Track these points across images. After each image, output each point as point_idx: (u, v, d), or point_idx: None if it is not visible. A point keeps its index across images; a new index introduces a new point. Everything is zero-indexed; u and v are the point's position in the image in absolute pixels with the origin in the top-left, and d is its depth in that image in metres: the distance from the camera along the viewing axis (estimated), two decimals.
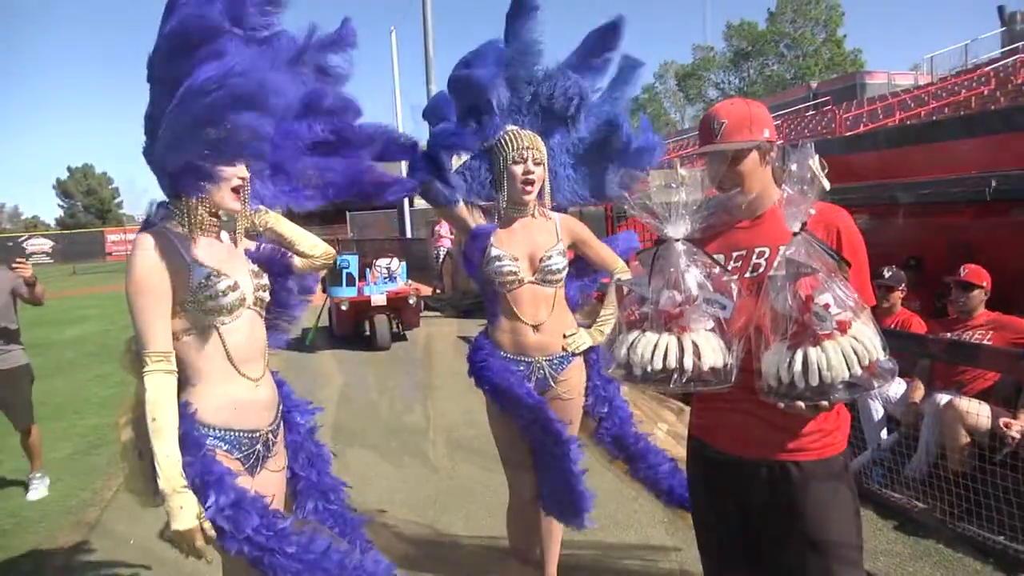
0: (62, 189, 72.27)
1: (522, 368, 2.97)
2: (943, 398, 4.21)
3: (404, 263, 11.97)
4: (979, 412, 4.01)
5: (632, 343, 1.85)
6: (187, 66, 1.83)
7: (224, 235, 2.27)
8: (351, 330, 11.06)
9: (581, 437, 3.10)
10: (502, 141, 2.91)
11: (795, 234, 1.82)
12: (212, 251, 2.16)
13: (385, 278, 11.47)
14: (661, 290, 1.87)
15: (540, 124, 3.09)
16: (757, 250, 2.03)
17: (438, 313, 13.83)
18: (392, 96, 28.44)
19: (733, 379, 1.83)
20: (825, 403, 1.73)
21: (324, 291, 11.60)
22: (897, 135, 10.25)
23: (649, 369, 1.81)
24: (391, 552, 3.26)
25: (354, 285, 11.14)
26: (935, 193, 5.51)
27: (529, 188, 2.90)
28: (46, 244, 62.37)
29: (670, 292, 1.85)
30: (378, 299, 10.80)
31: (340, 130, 2.50)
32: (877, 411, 4.69)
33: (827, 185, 1.81)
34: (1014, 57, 22.56)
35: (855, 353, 1.68)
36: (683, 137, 29.58)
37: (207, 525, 1.96)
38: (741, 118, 2.03)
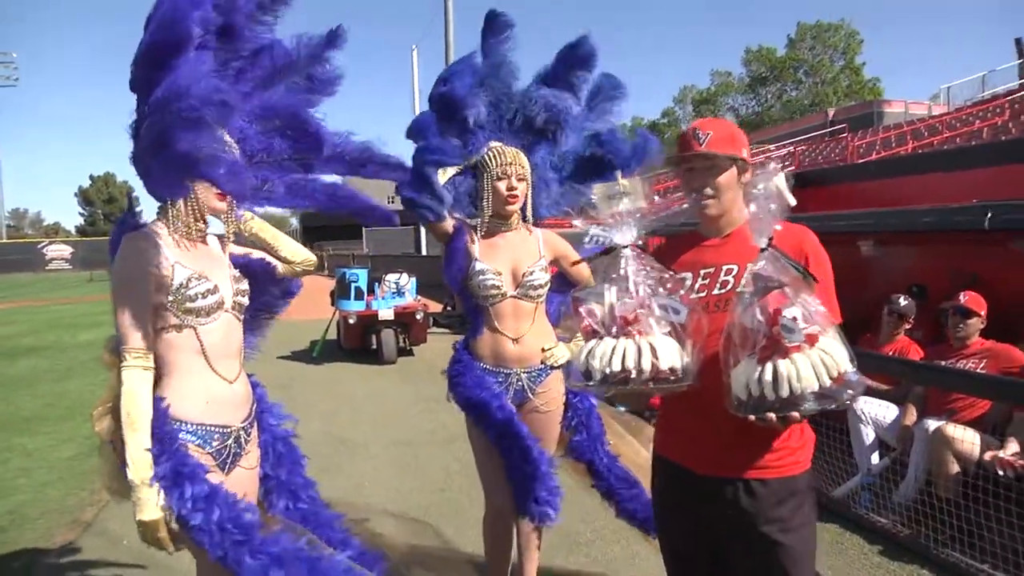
0: (84, 197, 73.33)
1: (501, 379, 3.04)
2: (933, 424, 4.23)
3: (415, 279, 12.03)
4: (968, 439, 4.02)
5: (590, 350, 1.90)
6: (156, 77, 1.89)
7: (211, 240, 2.36)
8: (358, 343, 11.14)
9: (559, 451, 3.16)
10: (486, 157, 3.01)
11: (762, 250, 1.86)
12: (195, 255, 2.25)
13: (394, 293, 11.53)
14: (614, 297, 1.92)
15: (524, 140, 3.18)
16: (725, 267, 2.07)
17: (447, 330, 13.89)
18: (412, 114, 28.72)
19: (691, 378, 1.86)
20: (796, 415, 1.74)
21: (333, 304, 11.72)
22: (892, 165, 10.33)
23: (608, 371, 1.84)
24: None
25: (362, 299, 11.23)
26: (935, 222, 5.55)
27: (512, 203, 2.99)
28: (66, 250, 63.21)
29: (624, 298, 1.90)
30: (386, 313, 10.88)
31: (308, 148, 2.56)
32: (868, 436, 4.70)
33: (792, 201, 1.86)
34: None
35: (824, 364, 1.70)
36: None
37: (171, 518, 2.02)
38: (725, 132, 2.10)
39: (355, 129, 2.59)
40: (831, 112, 36.00)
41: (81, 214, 75.10)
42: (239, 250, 2.54)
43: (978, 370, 4.46)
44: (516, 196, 2.99)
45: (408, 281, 11.82)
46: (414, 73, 28.68)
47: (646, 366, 1.82)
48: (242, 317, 2.38)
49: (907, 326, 5.25)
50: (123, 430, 2.02)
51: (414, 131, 3.01)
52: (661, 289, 1.93)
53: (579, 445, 3.15)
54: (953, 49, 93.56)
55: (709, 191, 2.06)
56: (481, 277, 2.97)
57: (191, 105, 1.80)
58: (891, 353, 5.12)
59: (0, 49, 72.93)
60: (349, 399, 8.49)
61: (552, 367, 3.06)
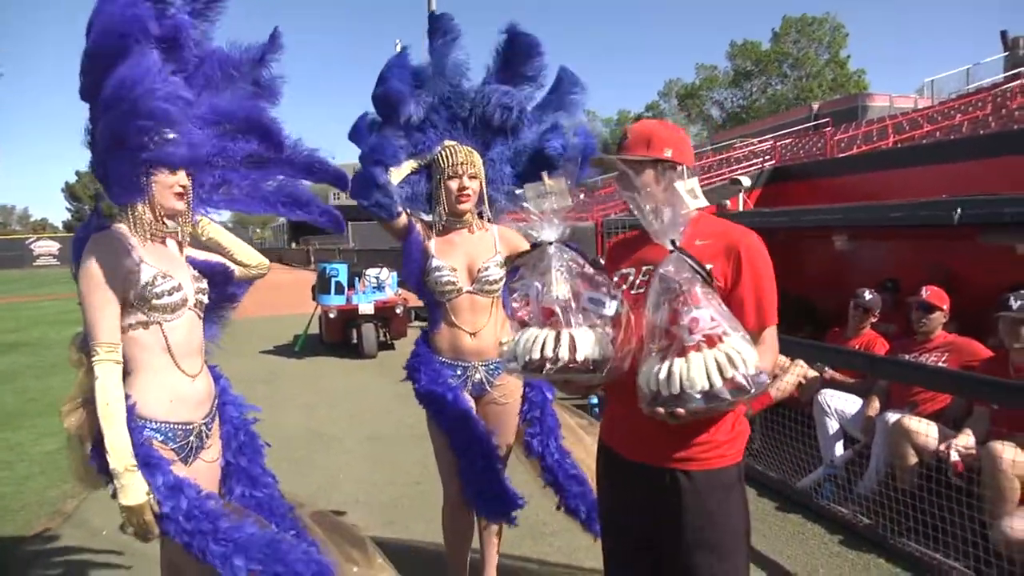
0: (70, 192, 72.90)
1: (459, 372, 3.11)
2: (893, 416, 4.31)
3: (395, 273, 12.07)
4: (927, 433, 4.08)
5: (517, 337, 1.99)
6: (102, 80, 1.93)
7: (170, 242, 2.43)
8: (339, 338, 11.21)
9: (517, 443, 3.23)
10: (438, 157, 3.09)
11: (670, 251, 1.91)
12: (158, 254, 2.33)
13: (374, 287, 11.59)
14: (540, 289, 2.00)
15: (480, 137, 3.24)
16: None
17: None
18: None
19: (608, 371, 1.92)
20: (681, 411, 1.78)
21: (314, 299, 11.76)
22: (870, 159, 10.43)
23: (528, 359, 1.93)
24: None
25: (343, 294, 11.29)
26: (905, 217, 5.61)
27: (463, 202, 3.06)
28: (53, 246, 62.96)
29: (548, 291, 1.98)
30: (366, 308, 10.94)
31: (271, 149, 2.65)
32: (832, 427, 4.78)
33: (703, 203, 1.95)
34: (1015, 82, 22.72)
35: (718, 365, 1.74)
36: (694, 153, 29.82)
37: (154, 502, 2.11)
38: (642, 134, 2.17)
39: (337, 125, 2.66)
40: (816, 106, 36.16)
41: (68, 209, 74.81)
42: (200, 254, 2.62)
43: (940, 364, 4.54)
44: (468, 195, 3.07)
45: (388, 276, 11.89)
46: None
47: (562, 355, 1.89)
48: (202, 315, 2.46)
49: (873, 319, 5.36)
50: (101, 421, 2.10)
51: (352, 134, 3.08)
52: (590, 285, 1.99)
53: (531, 438, 3.21)
54: (942, 42, 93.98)
55: (631, 192, 2.08)
56: (437, 273, 3.04)
57: (140, 92, 1.86)
58: (857, 347, 5.22)
59: None
60: (329, 393, 8.54)
61: None
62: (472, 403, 3.15)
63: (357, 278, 11.76)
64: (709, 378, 1.74)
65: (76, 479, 2.41)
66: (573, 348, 1.90)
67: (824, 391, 4.93)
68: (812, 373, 5.24)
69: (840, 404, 4.81)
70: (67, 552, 4.22)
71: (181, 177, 2.31)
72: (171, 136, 2.06)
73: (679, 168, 2.17)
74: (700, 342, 1.77)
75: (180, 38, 2.25)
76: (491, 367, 3.13)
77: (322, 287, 11.42)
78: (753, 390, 1.76)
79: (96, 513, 4.65)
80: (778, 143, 23.40)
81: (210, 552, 2.10)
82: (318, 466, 5.82)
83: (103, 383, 2.12)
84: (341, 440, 6.53)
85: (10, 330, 15.21)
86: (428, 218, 3.18)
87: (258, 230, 59.43)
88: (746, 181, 12.64)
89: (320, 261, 12.68)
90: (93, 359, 2.14)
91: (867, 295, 5.32)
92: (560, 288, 1.98)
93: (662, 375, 1.79)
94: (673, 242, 1.90)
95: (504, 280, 3.12)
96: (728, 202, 11.54)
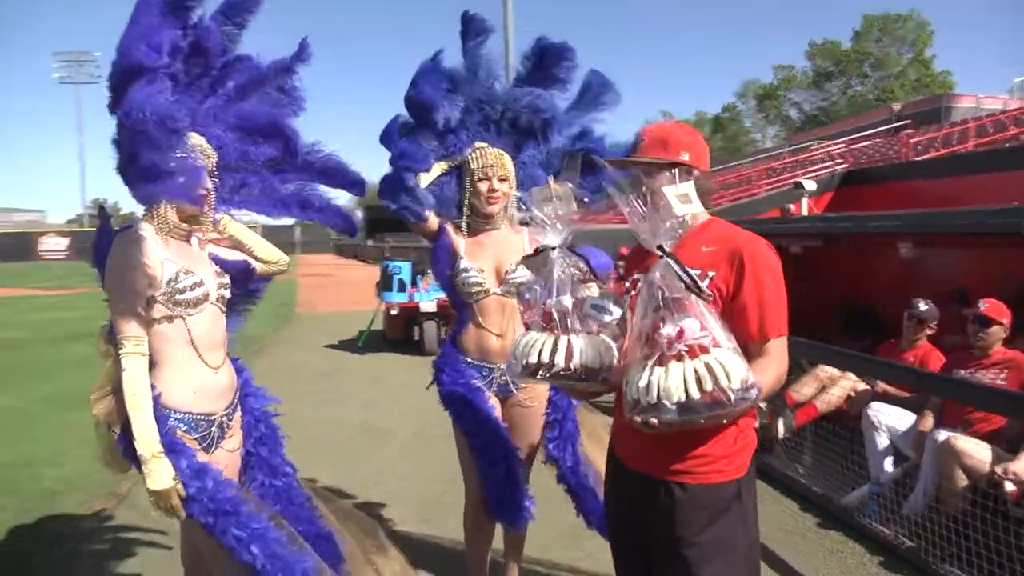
0: None
1: (484, 373, 3.13)
2: (943, 435, 4.10)
3: None
4: (979, 454, 3.88)
5: (518, 341, 2.01)
6: (120, 99, 2.05)
7: (193, 240, 2.54)
8: (401, 334, 11.44)
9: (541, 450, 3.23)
10: (469, 158, 3.11)
11: (659, 257, 1.85)
12: (181, 252, 2.44)
13: (436, 285, 11.66)
14: (542, 294, 2.01)
15: (512, 139, 3.26)
16: None
17: None
18: None
19: (604, 379, 1.91)
20: (654, 420, 1.72)
21: (378, 296, 11.97)
22: (946, 164, 9.98)
23: (525, 363, 1.94)
24: None
25: (405, 291, 11.46)
26: (974, 224, 5.36)
27: (493, 204, 3.08)
28: None
29: (551, 296, 1.98)
30: (427, 305, 11.09)
31: (286, 156, 2.74)
32: (881, 443, 4.60)
33: (698, 208, 1.92)
34: None
35: (697, 377, 1.69)
36: (762, 156, 29.15)
37: (180, 487, 2.21)
38: (658, 137, 2.12)
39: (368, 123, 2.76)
40: (897, 107, 34.92)
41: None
42: (223, 251, 2.72)
43: (998, 381, 4.32)
44: (497, 197, 3.09)
45: None
46: None
47: (558, 361, 1.90)
48: (224, 309, 2.56)
49: (929, 331, 5.10)
50: (129, 410, 2.21)
51: (383, 137, 3.11)
52: (595, 291, 2.00)
53: (549, 442, 3.20)
54: None
55: (648, 195, 2.02)
56: (465, 274, 3.07)
57: (142, 123, 1.96)
58: (911, 359, 5.01)
59: (84, 49, 77.35)
60: (388, 389, 8.71)
61: None
62: (497, 405, 3.17)
63: (420, 276, 11.91)
64: (686, 389, 1.68)
65: (103, 463, 2.54)
66: (569, 355, 1.90)
67: (874, 404, 4.75)
68: (862, 386, 5.07)
69: (891, 419, 4.62)
70: (119, 530, 4.48)
71: (204, 180, 2.41)
72: (173, 164, 2.13)
73: (695, 172, 2.10)
74: (682, 352, 1.72)
75: (206, 45, 2.36)
76: None
77: (385, 284, 11.65)
78: (736, 406, 1.70)
79: (147, 496, 4.85)
80: (853, 146, 22.70)
81: (230, 535, 2.20)
82: (366, 461, 5.97)
83: (130, 374, 2.23)
84: (394, 435, 6.68)
85: (88, 319, 15.91)
86: (457, 220, 3.21)
87: None
88: (810, 185, 12.18)
89: (393, 258, 12.87)
90: (120, 352, 2.24)
91: (922, 306, 5.09)
92: (561, 293, 1.98)
93: (642, 383, 1.75)
94: (661, 247, 1.84)
95: None
96: (792, 206, 11.25)
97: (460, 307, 3.19)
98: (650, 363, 1.77)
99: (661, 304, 1.79)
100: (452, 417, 3.16)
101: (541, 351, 1.92)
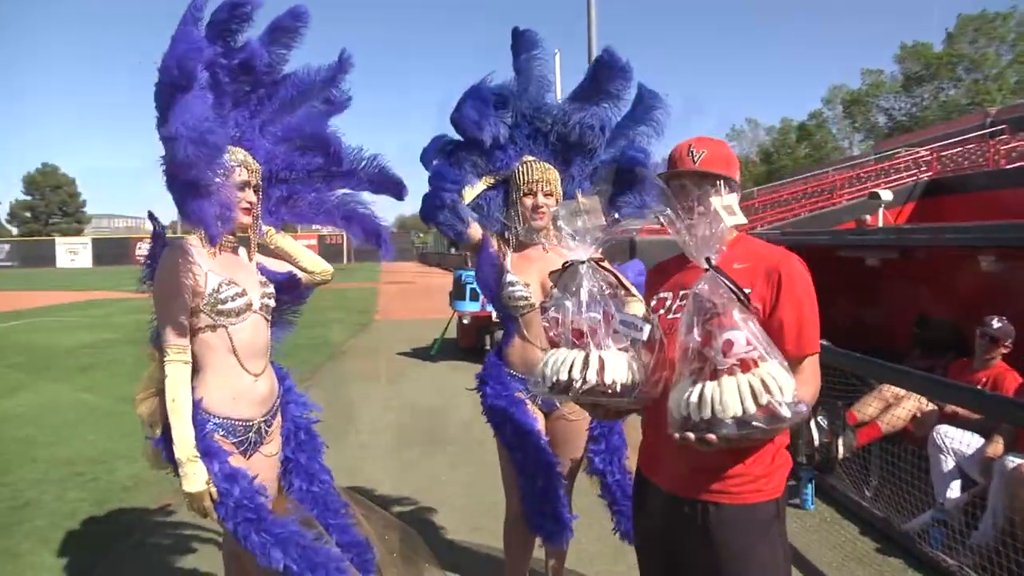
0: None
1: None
2: (1013, 461, 3.91)
3: None
4: None
5: (547, 359, 2.01)
6: (165, 116, 2.11)
7: (241, 250, 2.67)
8: (473, 343, 11.61)
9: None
10: (516, 172, 3.16)
11: (705, 270, 1.85)
12: (225, 263, 2.56)
13: None
14: (571, 310, 2.00)
15: (561, 153, 3.28)
16: None
17: None
18: None
19: (637, 396, 1.90)
20: (712, 436, 1.71)
21: (451, 304, 12.15)
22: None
23: (555, 380, 1.93)
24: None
25: (477, 300, 11.58)
26: None
27: (539, 219, 3.12)
28: None
29: (581, 312, 1.98)
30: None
31: (332, 162, 2.88)
32: (947, 466, 4.41)
33: (742, 220, 1.90)
34: None
35: (752, 390, 1.67)
36: (849, 164, 28.20)
37: (213, 490, 2.33)
38: (719, 151, 2.12)
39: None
40: (992, 111, 33.30)
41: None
42: (271, 262, 2.85)
43: None
44: (543, 212, 3.12)
45: None
46: (557, 78, 28.90)
47: (591, 378, 1.89)
48: (269, 318, 2.68)
49: (1003, 350, 4.85)
50: (169, 415, 2.34)
51: (422, 156, 3.21)
52: (624, 306, 1.98)
53: (595, 455, 3.21)
54: None
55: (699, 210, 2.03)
56: (510, 288, 3.12)
57: (183, 145, 2.04)
58: (984, 379, 4.79)
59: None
60: (452, 396, 8.77)
61: None
62: (541, 418, 3.19)
63: None
64: (742, 403, 1.67)
65: (147, 459, 2.66)
66: (602, 371, 1.89)
67: (941, 427, 4.55)
68: (929, 406, 4.90)
69: (959, 442, 4.41)
70: (181, 526, 4.70)
71: (248, 194, 2.54)
72: (212, 188, 2.24)
73: (735, 187, 2.13)
74: (733, 366, 1.71)
75: (253, 64, 2.50)
76: None
77: (458, 293, 11.81)
78: (790, 419, 1.68)
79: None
80: (938, 152, 21.74)
81: (251, 541, 2.31)
82: (423, 467, 6.09)
83: (171, 381, 2.36)
84: (454, 443, 6.76)
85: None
86: (505, 234, 3.26)
87: (421, 235, 61.37)
88: (886, 196, 11.64)
89: (466, 268, 13.10)
90: (164, 359, 2.38)
91: (995, 323, 4.84)
92: (594, 309, 1.98)
93: (693, 399, 1.74)
94: (708, 260, 1.85)
95: None
96: (868, 217, 10.84)
97: (506, 320, 3.25)
98: (700, 377, 1.76)
99: (708, 318, 1.78)
100: (494, 430, 3.20)
101: (572, 367, 1.91)
